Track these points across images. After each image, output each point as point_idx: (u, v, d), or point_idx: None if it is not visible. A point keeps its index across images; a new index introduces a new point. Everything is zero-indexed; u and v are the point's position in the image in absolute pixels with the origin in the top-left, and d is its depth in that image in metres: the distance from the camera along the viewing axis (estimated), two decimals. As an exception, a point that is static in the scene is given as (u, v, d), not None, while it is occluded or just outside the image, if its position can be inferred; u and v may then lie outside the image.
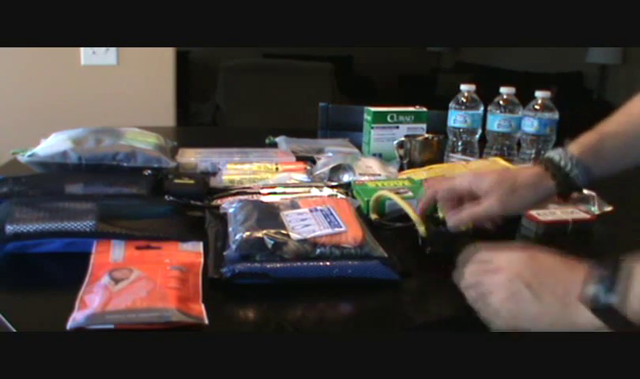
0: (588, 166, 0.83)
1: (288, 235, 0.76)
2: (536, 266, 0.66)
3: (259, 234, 0.76)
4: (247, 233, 0.76)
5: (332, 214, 0.83)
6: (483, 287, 0.67)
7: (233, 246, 0.75)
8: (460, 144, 1.34)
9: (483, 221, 0.86)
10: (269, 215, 0.82)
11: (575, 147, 0.84)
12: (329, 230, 0.78)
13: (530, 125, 1.23)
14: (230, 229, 0.81)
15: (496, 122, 1.30)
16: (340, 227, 0.79)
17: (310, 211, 0.84)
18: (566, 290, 0.62)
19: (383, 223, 0.93)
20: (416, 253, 0.84)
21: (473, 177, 0.86)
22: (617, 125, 0.86)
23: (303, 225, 0.79)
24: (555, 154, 0.85)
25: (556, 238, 0.93)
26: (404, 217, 0.88)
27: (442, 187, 0.87)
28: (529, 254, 0.67)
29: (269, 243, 0.74)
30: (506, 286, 0.65)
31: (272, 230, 0.76)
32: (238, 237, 0.76)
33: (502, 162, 1.17)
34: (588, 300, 0.60)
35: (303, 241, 0.76)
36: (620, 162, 0.86)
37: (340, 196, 1.02)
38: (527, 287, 0.64)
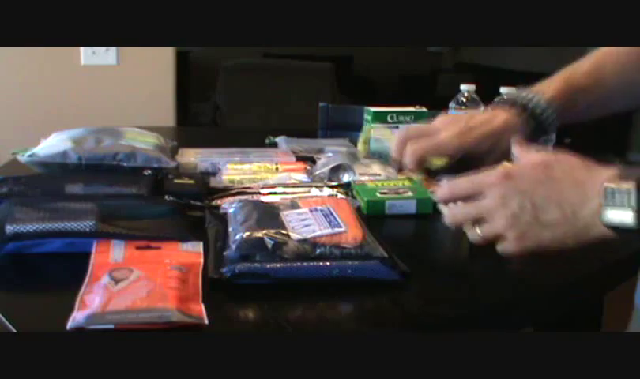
0: (560, 114, 0.83)
1: (287, 235, 0.76)
2: (526, 189, 0.63)
3: (259, 234, 0.76)
4: (247, 233, 0.76)
5: (332, 214, 0.83)
6: (481, 219, 0.67)
7: (233, 246, 0.75)
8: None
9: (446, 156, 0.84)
10: (269, 215, 0.82)
11: (543, 87, 0.84)
12: (329, 230, 0.78)
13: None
14: (230, 229, 0.81)
15: None
16: (340, 226, 0.79)
17: (310, 211, 0.84)
18: (574, 212, 0.60)
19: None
20: (416, 254, 0.84)
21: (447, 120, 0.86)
22: (588, 80, 0.86)
23: (303, 225, 0.79)
24: (524, 94, 0.84)
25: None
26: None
27: (421, 132, 0.86)
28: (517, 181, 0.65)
29: (269, 243, 0.74)
30: (502, 212, 0.64)
31: (272, 230, 0.76)
32: (238, 237, 0.76)
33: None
34: (603, 220, 0.58)
35: (303, 241, 0.76)
36: (586, 116, 0.86)
37: (340, 196, 1.02)
38: (525, 212, 0.63)
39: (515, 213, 0.63)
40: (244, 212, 0.83)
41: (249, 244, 0.75)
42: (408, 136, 0.85)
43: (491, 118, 0.84)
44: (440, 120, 0.87)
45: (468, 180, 0.68)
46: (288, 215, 0.82)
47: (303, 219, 0.81)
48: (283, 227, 0.78)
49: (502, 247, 0.66)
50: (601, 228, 0.59)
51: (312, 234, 0.77)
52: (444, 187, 0.71)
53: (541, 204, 0.62)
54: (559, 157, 0.65)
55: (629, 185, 0.57)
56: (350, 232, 0.78)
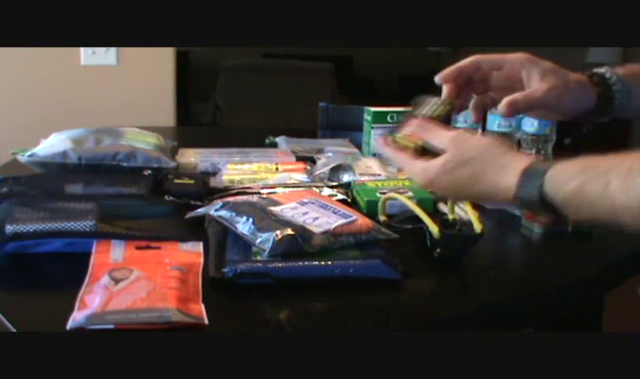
0: (629, 88, 0.80)
1: (310, 230, 0.77)
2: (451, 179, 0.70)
3: (291, 232, 0.75)
4: (278, 232, 0.75)
5: (327, 205, 0.84)
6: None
7: (266, 247, 0.74)
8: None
9: (527, 109, 0.79)
10: (266, 213, 0.82)
11: (622, 69, 0.81)
12: (344, 220, 0.80)
13: (530, 124, 1.23)
14: (239, 231, 0.79)
15: (496, 122, 1.29)
16: (351, 216, 0.81)
17: (301, 204, 0.84)
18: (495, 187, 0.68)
19: (392, 224, 0.93)
20: (416, 253, 0.84)
21: (526, 59, 0.79)
22: None
23: (313, 218, 0.80)
24: (600, 68, 0.81)
25: (556, 238, 0.92)
26: (413, 219, 0.87)
27: (490, 57, 0.81)
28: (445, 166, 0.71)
29: (299, 240, 0.75)
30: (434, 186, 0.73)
31: (297, 227, 0.77)
32: (268, 237, 0.75)
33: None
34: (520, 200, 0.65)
35: (326, 233, 0.77)
36: None
37: (339, 196, 1.03)
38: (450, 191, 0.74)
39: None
40: (243, 214, 0.82)
41: (285, 243, 0.74)
42: (478, 68, 0.82)
43: (583, 83, 0.79)
44: (542, 67, 0.78)
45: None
46: (284, 211, 0.82)
47: (305, 213, 0.81)
48: (295, 223, 0.79)
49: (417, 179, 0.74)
50: (513, 200, 0.66)
51: (333, 226, 0.78)
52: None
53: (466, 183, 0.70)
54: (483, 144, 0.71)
55: (540, 170, 0.64)
56: (362, 220, 0.80)
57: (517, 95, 0.77)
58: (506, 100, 0.77)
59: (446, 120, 0.80)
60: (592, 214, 0.61)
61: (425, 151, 0.76)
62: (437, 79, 0.83)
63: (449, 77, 0.83)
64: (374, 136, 1.32)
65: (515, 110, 0.77)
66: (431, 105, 0.81)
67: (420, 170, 0.73)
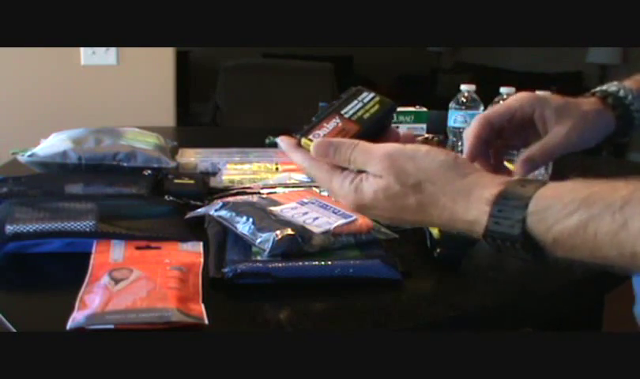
0: None
1: (310, 230, 0.77)
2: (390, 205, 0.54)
3: (290, 232, 0.76)
4: (278, 232, 0.75)
5: (327, 205, 0.84)
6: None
7: (266, 247, 0.74)
8: (460, 144, 1.34)
9: (551, 159, 0.71)
10: (265, 213, 0.82)
11: (630, 82, 0.73)
12: (344, 220, 0.79)
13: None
14: (239, 231, 0.79)
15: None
16: (351, 216, 0.80)
17: (301, 204, 0.84)
18: (452, 219, 0.53)
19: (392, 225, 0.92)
20: (416, 253, 0.84)
21: (535, 98, 0.70)
22: None
23: (313, 218, 0.80)
24: (609, 86, 0.73)
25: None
26: None
27: (497, 111, 0.70)
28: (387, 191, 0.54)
29: (299, 239, 0.75)
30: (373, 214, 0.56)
31: (297, 227, 0.77)
32: (267, 237, 0.75)
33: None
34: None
35: (326, 233, 0.77)
36: None
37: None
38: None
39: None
40: (243, 214, 0.82)
41: (284, 243, 0.75)
42: (491, 127, 0.69)
43: (599, 110, 0.72)
44: (553, 105, 0.69)
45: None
46: (284, 211, 0.82)
47: (305, 213, 0.81)
48: (295, 222, 0.79)
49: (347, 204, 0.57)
50: (481, 237, 0.52)
51: (333, 226, 0.78)
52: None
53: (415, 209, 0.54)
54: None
55: (521, 199, 0.50)
56: (362, 220, 0.80)
57: (533, 150, 0.68)
58: (521, 160, 0.67)
59: (379, 124, 0.62)
60: (596, 255, 0.48)
61: None
62: (466, 155, 0.68)
63: (476, 151, 0.69)
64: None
65: (534, 167, 0.68)
66: (358, 101, 0.63)
67: (349, 191, 0.55)
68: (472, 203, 0.51)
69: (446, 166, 0.53)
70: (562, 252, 0.49)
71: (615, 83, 0.74)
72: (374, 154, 0.54)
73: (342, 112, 0.61)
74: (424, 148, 0.55)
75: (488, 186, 0.51)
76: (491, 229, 0.50)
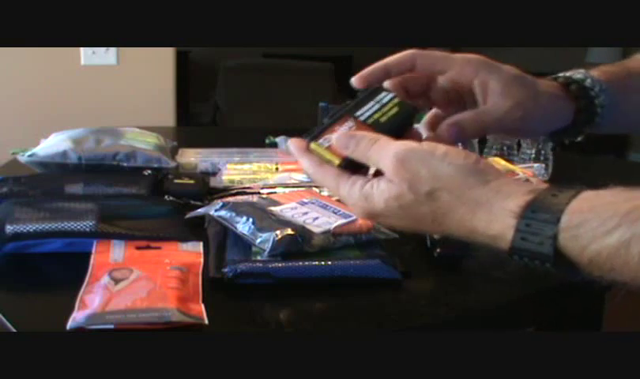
0: (616, 100, 0.62)
1: (310, 230, 0.77)
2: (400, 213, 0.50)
3: (290, 232, 0.76)
4: (278, 232, 0.75)
5: (327, 205, 0.84)
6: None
7: (266, 247, 0.74)
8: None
9: (487, 133, 0.64)
10: (265, 213, 0.82)
11: (598, 73, 0.63)
12: (344, 220, 0.79)
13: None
14: (239, 231, 0.79)
15: None
16: (352, 216, 0.80)
17: (301, 204, 0.84)
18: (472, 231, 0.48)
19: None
20: (416, 253, 0.84)
21: (481, 62, 0.60)
22: None
23: (313, 218, 0.80)
24: (574, 73, 0.63)
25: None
26: None
27: (431, 54, 0.63)
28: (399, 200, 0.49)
29: (299, 240, 0.75)
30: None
31: (297, 227, 0.77)
32: (267, 237, 0.75)
33: (502, 162, 1.17)
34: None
35: (326, 233, 0.77)
36: None
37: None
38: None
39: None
40: (242, 215, 0.82)
41: (284, 242, 0.74)
42: (411, 67, 0.61)
43: (558, 94, 0.62)
44: (503, 76, 0.58)
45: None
46: (284, 211, 0.82)
47: (305, 213, 0.81)
48: (295, 222, 0.79)
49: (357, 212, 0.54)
50: (507, 253, 0.47)
51: (333, 226, 0.78)
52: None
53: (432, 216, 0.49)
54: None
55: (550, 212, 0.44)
56: (362, 220, 0.80)
57: (465, 115, 0.58)
58: (449, 121, 0.58)
59: (397, 129, 0.55)
60: (637, 277, 0.42)
61: (355, 165, 0.53)
62: (353, 82, 0.59)
63: (372, 79, 0.59)
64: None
65: (462, 135, 0.58)
66: (375, 102, 0.57)
67: (359, 198, 0.51)
68: (494, 215, 0.46)
69: (465, 172, 0.48)
70: (600, 273, 0.44)
71: (582, 71, 0.63)
72: (388, 152, 0.50)
73: (356, 114, 0.56)
74: (442, 148, 0.49)
75: (514, 196, 0.46)
76: (517, 246, 0.45)
